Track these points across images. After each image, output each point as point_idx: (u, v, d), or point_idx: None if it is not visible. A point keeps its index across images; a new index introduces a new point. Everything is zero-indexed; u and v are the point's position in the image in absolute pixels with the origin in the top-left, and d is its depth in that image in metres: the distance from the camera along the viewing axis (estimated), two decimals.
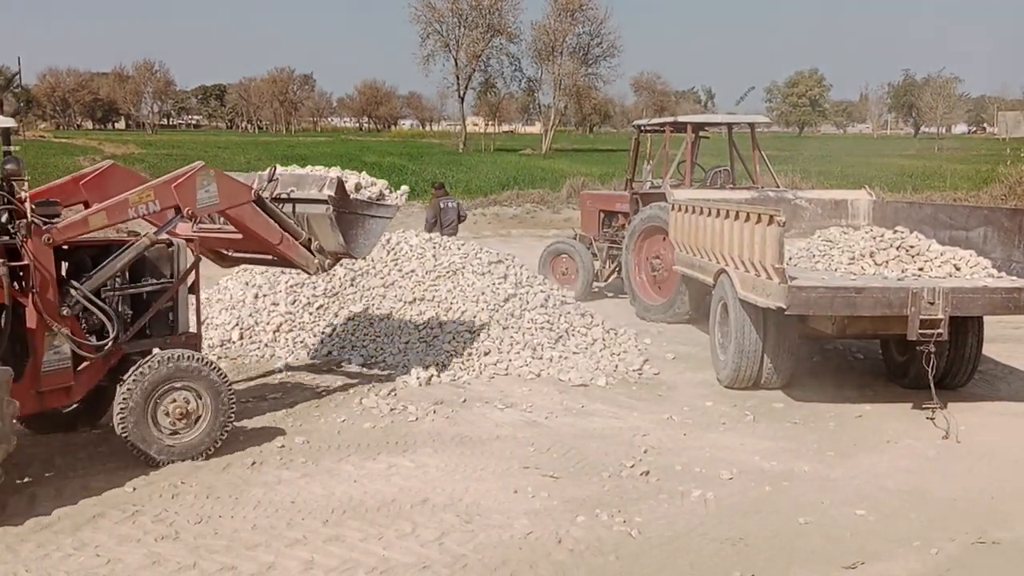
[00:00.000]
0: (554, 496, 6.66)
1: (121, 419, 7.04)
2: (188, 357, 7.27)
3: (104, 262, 7.16)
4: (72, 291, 6.89)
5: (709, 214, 10.32)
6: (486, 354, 10.08)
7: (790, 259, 9.42)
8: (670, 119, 15.29)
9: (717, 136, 16.39)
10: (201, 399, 7.30)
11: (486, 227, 26.49)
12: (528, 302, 11.04)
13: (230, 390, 7.46)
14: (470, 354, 10.05)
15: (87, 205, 7.52)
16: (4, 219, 6.61)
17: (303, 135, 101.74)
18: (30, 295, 6.60)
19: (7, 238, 6.57)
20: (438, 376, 9.59)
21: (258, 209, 8.09)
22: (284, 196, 8.51)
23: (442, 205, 16.11)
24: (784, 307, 8.29)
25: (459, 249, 11.80)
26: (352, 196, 8.63)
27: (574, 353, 10.38)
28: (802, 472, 7.26)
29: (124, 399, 7.03)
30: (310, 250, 8.48)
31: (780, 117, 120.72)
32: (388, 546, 5.84)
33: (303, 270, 8.71)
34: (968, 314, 8.64)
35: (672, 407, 9.01)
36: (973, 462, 7.51)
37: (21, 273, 6.59)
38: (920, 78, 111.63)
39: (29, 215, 6.57)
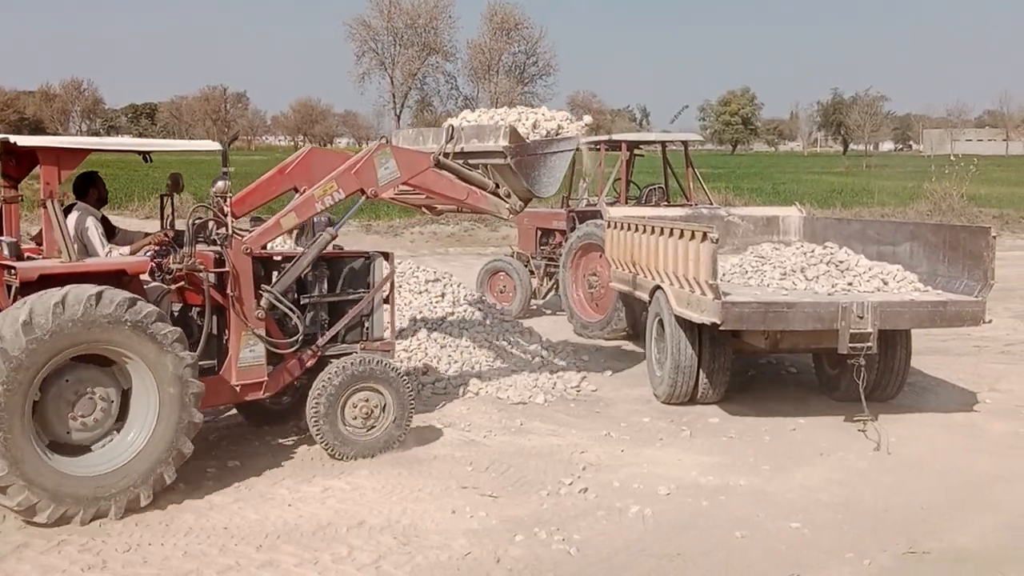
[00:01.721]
0: (493, 515, 6.62)
1: (313, 413, 7.64)
2: (376, 361, 7.87)
3: (290, 263, 7.84)
4: (264, 294, 7.56)
5: (644, 231, 10.40)
6: (424, 373, 10.02)
7: (723, 275, 9.52)
8: (605, 137, 15.40)
9: (651, 154, 16.56)
10: (385, 401, 7.87)
11: (423, 245, 26.42)
12: (466, 320, 11.01)
13: (411, 395, 8.01)
14: (407, 373, 9.96)
15: (297, 190, 8.07)
16: (211, 230, 7.50)
17: (237, 153, 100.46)
18: (229, 299, 7.34)
19: (214, 248, 7.41)
20: None
21: (439, 172, 8.57)
22: (462, 151, 8.91)
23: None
24: (718, 322, 8.38)
25: (396, 268, 11.71)
26: (529, 138, 8.97)
27: (512, 371, 10.37)
28: (738, 486, 7.32)
29: (316, 396, 7.67)
30: (500, 196, 8.89)
31: (713, 135, 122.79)
32: (323, 571, 5.75)
33: (496, 216, 9.16)
34: (896, 327, 8.82)
35: (610, 423, 9.03)
36: (903, 473, 7.65)
37: (224, 279, 7.38)
38: (848, 97, 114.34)
39: (230, 227, 7.34)
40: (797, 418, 9.17)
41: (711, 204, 14.61)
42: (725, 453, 8.16)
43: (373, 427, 7.84)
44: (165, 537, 6.19)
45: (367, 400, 7.81)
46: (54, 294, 6.24)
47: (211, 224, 7.52)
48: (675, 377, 9.44)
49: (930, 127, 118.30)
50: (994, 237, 8.64)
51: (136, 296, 6.56)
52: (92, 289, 6.34)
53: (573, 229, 14.13)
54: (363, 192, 8.10)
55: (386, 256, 8.66)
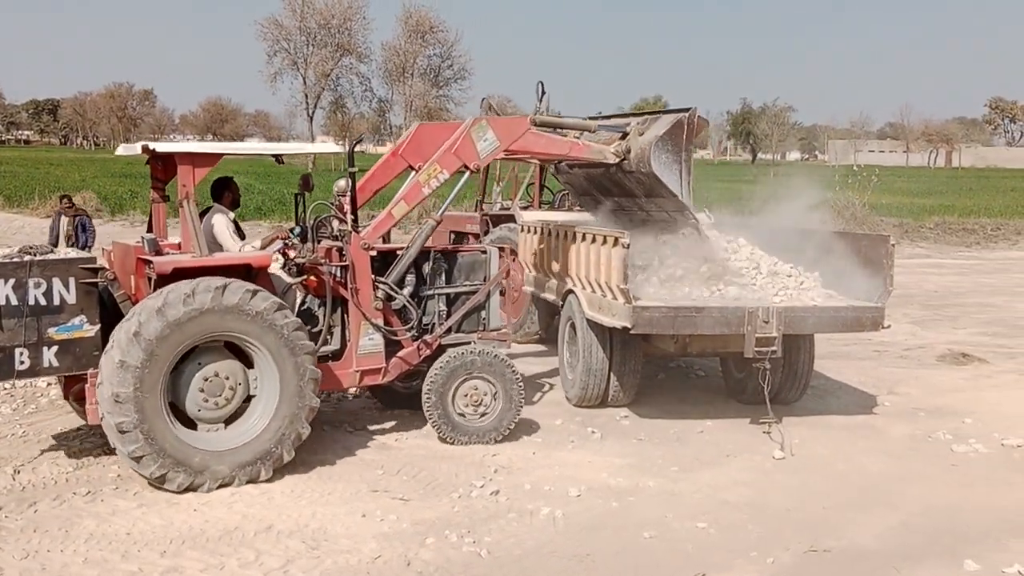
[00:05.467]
0: (403, 519, 6.59)
1: (426, 397, 8.17)
2: (486, 352, 8.29)
3: (401, 255, 8.32)
4: (380, 285, 8.06)
5: (557, 235, 10.48)
6: None
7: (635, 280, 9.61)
8: None
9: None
10: (495, 390, 8.30)
11: None
12: None
13: (520, 386, 8.36)
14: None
15: (414, 168, 8.57)
16: (335, 227, 8.05)
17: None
18: (349, 290, 7.88)
19: (335, 243, 7.93)
20: None
21: (538, 131, 8.96)
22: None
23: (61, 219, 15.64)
24: (629, 326, 8.48)
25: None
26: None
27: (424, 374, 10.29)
28: (647, 487, 7.42)
29: (431, 381, 8.18)
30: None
31: None
32: None
33: (603, 163, 9.47)
34: (800, 332, 9.02)
35: (522, 426, 9.01)
36: (806, 474, 7.84)
37: (344, 272, 7.90)
38: (757, 107, 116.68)
39: (349, 224, 7.92)
40: (705, 420, 9.33)
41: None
42: (635, 455, 8.26)
43: (483, 415, 8.29)
44: (65, 543, 6.01)
45: (477, 389, 8.24)
46: (186, 285, 6.89)
47: (334, 220, 8.07)
48: (586, 380, 9.51)
49: (835, 138, 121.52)
50: (893, 245, 8.91)
51: (258, 288, 7.14)
52: (219, 281, 6.98)
53: (487, 232, 14.15)
54: (467, 168, 8.45)
55: (508, 251, 9.02)
